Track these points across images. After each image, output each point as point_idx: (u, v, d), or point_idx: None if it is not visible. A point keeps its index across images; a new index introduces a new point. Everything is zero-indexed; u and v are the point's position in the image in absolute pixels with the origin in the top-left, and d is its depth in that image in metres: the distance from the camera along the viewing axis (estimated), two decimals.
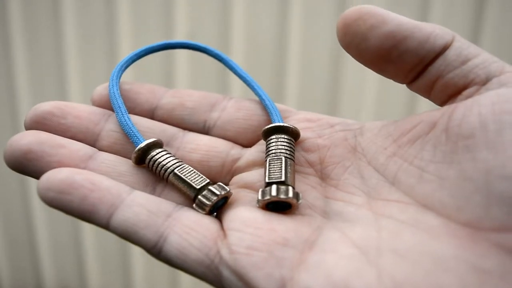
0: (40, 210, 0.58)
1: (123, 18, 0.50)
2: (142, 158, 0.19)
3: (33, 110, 0.20)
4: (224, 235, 0.17)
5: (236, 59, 0.51)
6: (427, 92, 0.19)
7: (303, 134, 0.20)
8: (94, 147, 0.20)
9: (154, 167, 0.19)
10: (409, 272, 0.14)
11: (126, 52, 0.51)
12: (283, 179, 0.18)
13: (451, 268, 0.14)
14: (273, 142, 0.19)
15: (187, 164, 0.19)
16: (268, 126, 0.20)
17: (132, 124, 0.20)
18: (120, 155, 0.20)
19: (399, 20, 0.18)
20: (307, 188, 0.19)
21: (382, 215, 0.17)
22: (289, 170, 0.18)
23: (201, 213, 0.18)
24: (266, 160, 0.19)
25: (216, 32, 0.50)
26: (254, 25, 0.50)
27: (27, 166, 0.18)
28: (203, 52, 0.24)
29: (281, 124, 0.20)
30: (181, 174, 0.19)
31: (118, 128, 0.20)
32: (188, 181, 0.18)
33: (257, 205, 0.18)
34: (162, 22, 0.50)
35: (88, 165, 0.19)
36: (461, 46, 0.17)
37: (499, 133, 0.15)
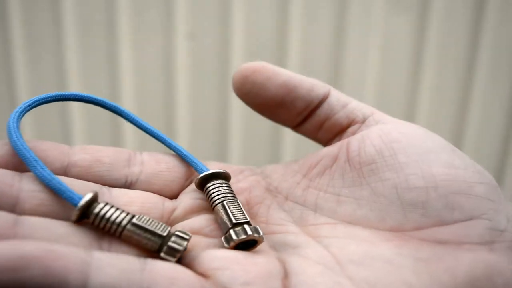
0: None
1: (123, 18, 0.50)
2: (83, 215, 0.17)
3: None
4: (204, 277, 0.16)
5: (236, 59, 0.51)
6: (314, 133, 0.23)
7: None
8: (13, 212, 0.17)
9: (103, 223, 0.17)
10: (375, 275, 0.16)
11: (126, 51, 0.51)
12: (248, 219, 0.19)
13: (401, 263, 0.17)
14: (215, 188, 0.20)
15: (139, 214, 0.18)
16: (204, 174, 0.20)
17: (59, 179, 0.18)
18: (48, 217, 0.17)
19: (289, 73, 0.22)
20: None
21: (320, 236, 0.19)
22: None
23: (170, 260, 0.17)
24: (217, 205, 0.19)
25: (216, 32, 0.50)
26: (254, 25, 0.50)
27: None
28: (100, 106, 0.23)
29: (215, 170, 0.21)
30: (142, 223, 0.17)
31: (39, 188, 0.18)
32: (152, 229, 0.17)
33: (228, 246, 0.18)
34: (162, 22, 0.50)
35: (17, 232, 0.15)
36: (337, 94, 0.22)
37: (394, 157, 0.19)
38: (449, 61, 0.52)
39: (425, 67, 0.52)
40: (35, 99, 0.22)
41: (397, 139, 0.20)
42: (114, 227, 0.17)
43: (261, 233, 0.18)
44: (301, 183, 0.22)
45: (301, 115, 0.22)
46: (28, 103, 0.21)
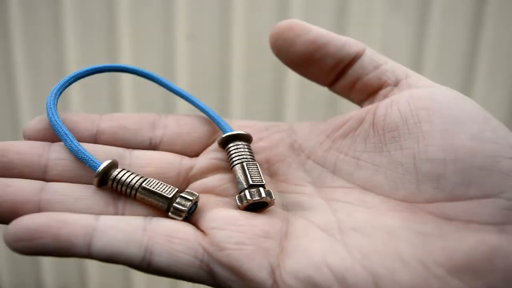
0: None
1: (123, 18, 0.50)
2: (103, 180, 0.20)
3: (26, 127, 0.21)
4: (204, 235, 0.18)
5: (236, 58, 0.51)
6: (347, 93, 0.22)
7: None
8: (44, 179, 0.20)
9: (119, 186, 0.19)
10: (371, 244, 0.17)
11: (126, 51, 0.51)
12: (263, 182, 0.20)
13: (400, 235, 0.17)
14: (236, 149, 0.21)
15: (150, 177, 0.20)
16: (226, 135, 0.21)
17: (84, 149, 0.20)
18: (72, 182, 0.20)
19: (320, 30, 0.21)
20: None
21: (332, 200, 0.19)
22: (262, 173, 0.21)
23: (178, 219, 0.19)
24: (236, 165, 0.20)
25: (216, 32, 0.50)
26: (254, 25, 0.50)
27: None
28: (133, 73, 0.25)
29: (238, 132, 0.21)
30: (150, 187, 0.19)
31: (64, 156, 0.20)
32: (159, 192, 0.19)
33: (240, 205, 0.19)
34: (162, 22, 0.50)
35: (42, 198, 0.18)
36: (372, 54, 0.22)
37: (418, 125, 0.18)
38: (449, 61, 0.52)
39: (425, 67, 0.52)
40: (72, 75, 0.24)
41: (426, 105, 0.19)
42: (129, 190, 0.19)
43: (273, 197, 0.19)
44: (324, 143, 0.22)
45: (332, 73, 0.22)
46: (64, 81, 0.23)
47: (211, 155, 0.22)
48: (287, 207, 0.20)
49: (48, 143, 0.21)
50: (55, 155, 0.20)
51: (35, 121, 0.22)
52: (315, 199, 0.20)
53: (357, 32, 0.51)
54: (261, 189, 0.19)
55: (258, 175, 0.20)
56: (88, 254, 0.17)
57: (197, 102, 0.24)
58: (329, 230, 0.18)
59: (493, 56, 0.52)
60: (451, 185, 0.17)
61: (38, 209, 0.18)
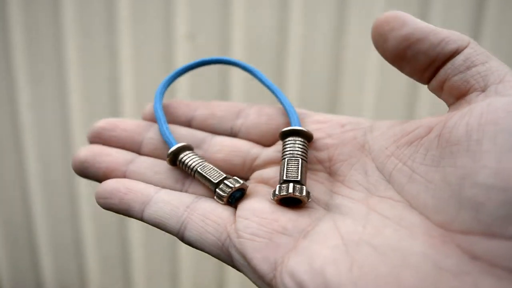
0: (40, 210, 0.58)
1: (123, 18, 0.50)
2: (174, 160, 0.23)
3: (91, 127, 0.25)
4: (234, 220, 0.20)
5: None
6: (439, 94, 0.20)
7: (315, 134, 0.23)
8: (139, 152, 0.25)
9: (184, 167, 0.23)
10: (376, 265, 0.16)
11: (126, 51, 0.51)
12: (298, 178, 0.20)
13: (415, 264, 0.15)
14: (289, 144, 0.22)
15: (208, 163, 0.23)
16: (285, 129, 0.22)
17: (169, 132, 0.24)
18: (160, 158, 0.24)
19: (417, 24, 0.19)
20: (315, 183, 0.21)
21: (374, 211, 0.18)
22: (303, 170, 0.21)
23: (220, 203, 0.21)
24: (283, 160, 0.21)
25: (216, 32, 0.50)
26: (254, 25, 0.50)
27: (85, 172, 0.24)
28: (228, 64, 0.29)
29: (297, 127, 0.22)
30: (203, 171, 0.22)
31: (156, 136, 0.25)
32: (208, 177, 0.22)
33: (273, 199, 0.20)
34: (162, 22, 0.50)
35: (128, 168, 0.23)
36: (472, 52, 0.19)
37: (479, 142, 0.16)
38: None
39: None
40: (180, 69, 0.28)
41: (497, 120, 0.16)
42: (189, 171, 0.22)
43: (304, 194, 0.19)
44: (388, 148, 0.20)
45: (428, 72, 0.20)
46: (169, 77, 0.27)
47: (280, 147, 0.23)
48: (329, 208, 0.20)
49: (152, 124, 0.25)
50: (150, 135, 0.25)
51: (149, 106, 0.27)
52: (357, 205, 0.19)
53: (357, 32, 0.51)
54: (291, 184, 0.20)
55: (296, 171, 0.20)
56: (141, 218, 0.21)
57: (279, 93, 0.26)
58: (348, 240, 0.17)
59: (493, 55, 0.52)
60: (491, 218, 0.15)
61: (124, 176, 0.23)
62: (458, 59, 0.19)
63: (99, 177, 0.23)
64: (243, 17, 0.50)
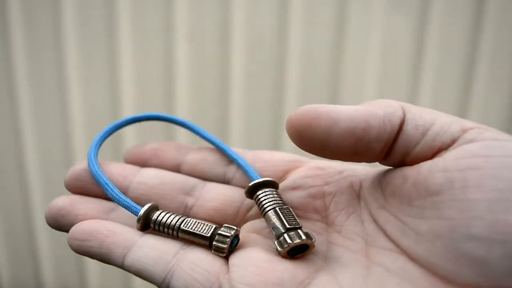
0: (40, 210, 0.58)
1: (123, 18, 0.50)
2: (146, 225, 0.21)
3: (70, 171, 0.23)
4: (227, 270, 0.18)
5: (236, 59, 0.51)
6: (402, 166, 0.19)
7: (311, 182, 0.22)
8: (126, 194, 0.23)
9: (161, 230, 0.20)
10: None
11: (126, 51, 0.51)
12: (300, 225, 0.19)
13: None
14: (267, 195, 0.21)
15: (186, 216, 0.21)
16: (251, 184, 0.21)
17: (124, 196, 0.21)
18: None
19: (349, 113, 0.17)
20: (313, 233, 0.20)
21: (374, 263, 0.17)
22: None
23: (221, 256, 0.19)
24: (270, 210, 0.20)
25: (216, 32, 0.50)
26: (254, 25, 0.50)
27: (61, 221, 0.22)
28: (171, 122, 0.27)
29: (265, 179, 0.21)
30: (188, 228, 0.20)
31: (149, 181, 0.23)
32: (197, 232, 0.20)
33: (282, 250, 0.18)
34: (162, 22, 0.50)
35: (109, 217, 0.22)
36: (414, 116, 0.17)
37: (465, 191, 0.15)
38: (449, 61, 0.52)
39: (425, 66, 0.52)
40: (110, 127, 0.25)
41: (478, 165, 0.15)
42: (170, 231, 0.20)
43: (313, 239, 0.19)
44: (379, 199, 0.19)
45: (383, 153, 0.18)
46: (101, 135, 0.24)
47: None
48: (327, 259, 0.19)
49: (137, 168, 0.24)
50: (138, 179, 0.23)
51: (82, 169, 0.24)
52: (357, 257, 0.18)
53: (357, 32, 0.51)
54: (299, 231, 0.19)
55: (293, 218, 0.19)
56: (121, 265, 0.19)
57: (229, 150, 0.25)
58: None
59: (493, 55, 0.52)
60: (498, 273, 0.14)
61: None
62: (408, 129, 0.17)
63: (67, 226, 0.21)
64: (243, 17, 0.50)
